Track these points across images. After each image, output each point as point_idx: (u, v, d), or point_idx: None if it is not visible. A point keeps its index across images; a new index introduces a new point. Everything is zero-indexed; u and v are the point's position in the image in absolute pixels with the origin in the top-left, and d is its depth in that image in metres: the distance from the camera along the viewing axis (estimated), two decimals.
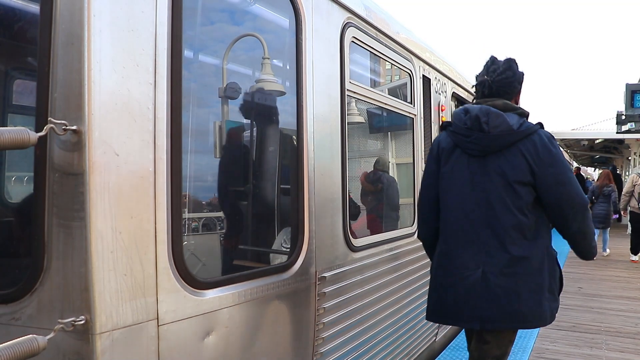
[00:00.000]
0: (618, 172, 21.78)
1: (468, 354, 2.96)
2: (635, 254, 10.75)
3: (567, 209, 2.60)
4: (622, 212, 11.08)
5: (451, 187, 2.76)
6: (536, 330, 5.88)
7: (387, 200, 4.46)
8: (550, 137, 2.68)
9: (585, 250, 2.79)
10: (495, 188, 2.62)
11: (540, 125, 2.70)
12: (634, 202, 10.57)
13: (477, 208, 2.66)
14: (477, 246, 2.65)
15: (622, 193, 10.97)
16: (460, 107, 2.86)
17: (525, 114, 2.76)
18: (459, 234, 2.71)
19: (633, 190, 10.57)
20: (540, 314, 2.68)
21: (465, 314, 2.67)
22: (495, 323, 2.63)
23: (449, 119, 4.93)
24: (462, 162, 2.72)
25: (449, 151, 2.78)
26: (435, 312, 2.82)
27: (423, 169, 4.26)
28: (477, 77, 2.89)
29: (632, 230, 11.12)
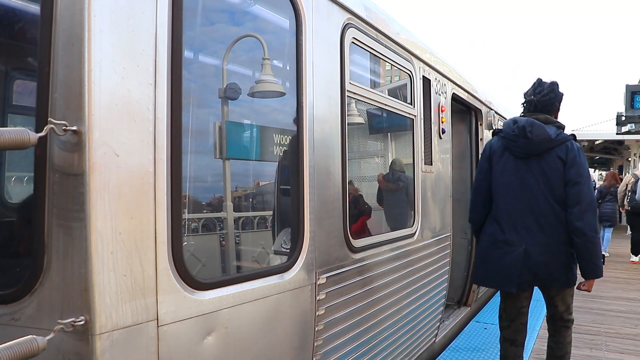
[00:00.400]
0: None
1: (497, 323, 3.89)
2: (636, 254, 10.80)
3: (573, 203, 3.25)
4: (620, 209, 11.46)
5: (501, 181, 3.48)
6: (536, 331, 5.89)
7: (408, 198, 4.44)
8: (579, 147, 3.39)
9: (581, 256, 3.34)
10: (536, 183, 3.34)
11: (573, 136, 3.42)
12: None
13: (522, 199, 3.39)
14: (521, 228, 3.39)
15: (617, 191, 11.51)
16: (510, 118, 3.59)
17: (562, 127, 3.46)
18: (507, 218, 3.44)
19: (626, 189, 10.86)
20: (567, 280, 3.42)
21: (508, 280, 3.42)
22: (532, 285, 3.49)
23: (449, 120, 4.95)
24: (510, 162, 3.44)
25: (500, 153, 3.50)
26: (481, 277, 3.64)
27: (423, 170, 4.27)
28: (525, 95, 3.60)
29: (631, 229, 11.23)
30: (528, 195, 3.38)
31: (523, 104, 3.61)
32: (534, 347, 5.39)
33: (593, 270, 3.35)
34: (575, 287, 3.55)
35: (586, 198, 3.27)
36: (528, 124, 3.36)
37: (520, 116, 3.56)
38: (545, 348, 3.97)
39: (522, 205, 3.40)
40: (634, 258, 10.82)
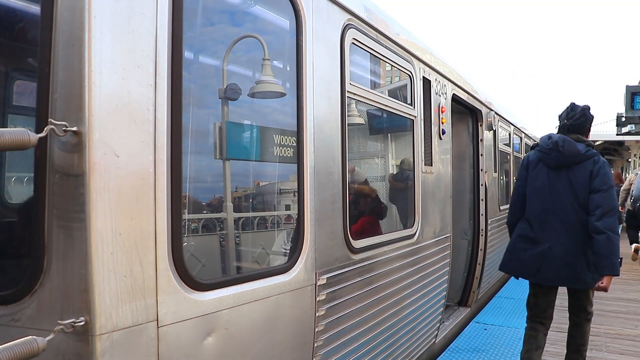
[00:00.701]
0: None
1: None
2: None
3: (595, 207, 3.65)
4: (620, 208, 11.49)
5: (534, 187, 3.96)
6: None
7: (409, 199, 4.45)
8: (604, 161, 3.84)
9: (600, 254, 3.59)
10: (564, 190, 3.80)
11: (600, 153, 3.94)
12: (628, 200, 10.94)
13: (550, 203, 3.84)
14: (548, 230, 3.84)
15: (620, 190, 11.49)
16: (546, 134, 4.05)
17: (591, 145, 3.95)
18: (537, 220, 3.90)
19: (629, 189, 10.85)
20: (592, 281, 3.71)
21: (528, 272, 3.95)
22: (551, 282, 3.89)
23: (449, 121, 4.96)
24: (542, 171, 3.92)
25: (535, 163, 3.99)
26: (508, 266, 4.11)
27: (423, 171, 4.27)
28: (559, 117, 4.13)
29: (628, 226, 11.26)
30: (556, 200, 3.83)
31: (557, 127, 4.16)
32: None
33: (609, 267, 3.56)
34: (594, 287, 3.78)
35: (609, 203, 3.65)
36: (561, 140, 3.86)
37: (554, 134, 4.06)
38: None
39: (550, 209, 3.85)
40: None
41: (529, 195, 3.98)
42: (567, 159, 3.81)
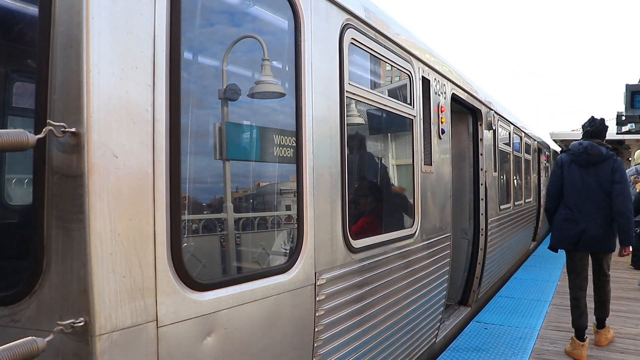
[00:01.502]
0: None
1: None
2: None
3: (617, 195, 4.95)
4: None
5: (570, 181, 5.18)
6: (536, 331, 5.88)
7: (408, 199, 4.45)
8: (620, 161, 5.17)
9: (621, 230, 4.98)
10: (593, 183, 5.06)
11: (615, 154, 5.18)
12: None
13: (583, 192, 5.09)
14: (584, 213, 5.08)
15: None
16: (576, 141, 5.34)
17: (609, 147, 5.22)
18: (574, 205, 5.15)
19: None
20: (611, 246, 5.15)
21: (571, 244, 5.15)
22: (588, 249, 5.17)
23: (449, 120, 4.96)
24: (575, 169, 5.16)
25: (568, 164, 5.22)
26: (557, 243, 5.29)
27: (422, 170, 4.27)
28: (583, 126, 5.50)
29: None
30: (588, 190, 5.09)
31: (583, 134, 5.43)
32: (534, 347, 5.39)
33: (628, 240, 5.00)
34: (618, 254, 5.39)
35: (625, 192, 5.00)
36: (589, 145, 5.14)
37: (582, 139, 5.36)
38: (546, 349, 5.24)
39: (584, 197, 5.11)
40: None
41: (566, 188, 5.22)
42: (594, 159, 5.09)
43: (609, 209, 5.00)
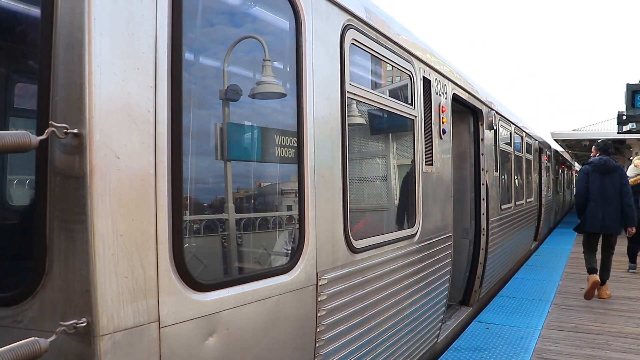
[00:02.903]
0: None
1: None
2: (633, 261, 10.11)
3: (625, 194, 7.44)
4: None
5: (595, 186, 7.48)
6: (538, 331, 5.88)
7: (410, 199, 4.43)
8: (624, 169, 8.07)
9: (627, 217, 7.43)
10: (610, 187, 7.43)
11: (621, 165, 8.10)
12: None
13: (604, 193, 7.42)
14: (602, 207, 7.43)
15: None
16: (598, 157, 7.74)
17: (616, 161, 7.92)
18: (596, 203, 7.45)
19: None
20: (620, 229, 7.52)
21: (598, 228, 7.55)
22: (604, 230, 7.58)
23: (450, 120, 4.96)
24: (597, 176, 7.49)
25: (592, 173, 7.56)
26: (584, 226, 7.64)
27: (424, 170, 4.28)
28: (599, 146, 7.89)
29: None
30: (606, 191, 7.47)
31: (599, 150, 7.82)
32: (536, 347, 5.39)
33: (632, 222, 7.48)
34: (626, 234, 7.84)
35: (629, 191, 7.55)
36: (607, 160, 7.60)
37: (600, 155, 7.74)
38: (548, 348, 5.33)
39: (603, 195, 7.46)
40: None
41: (591, 189, 7.56)
42: (609, 169, 7.53)
43: (618, 204, 7.45)
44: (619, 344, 5.52)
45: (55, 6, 1.69)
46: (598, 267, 7.62)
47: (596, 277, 7.35)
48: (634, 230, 7.59)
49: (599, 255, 7.80)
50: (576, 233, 8.46)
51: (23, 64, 2.61)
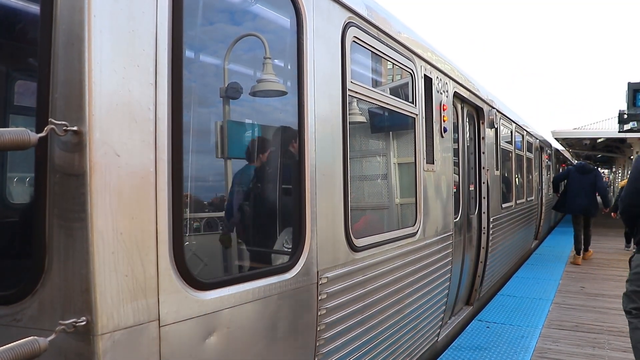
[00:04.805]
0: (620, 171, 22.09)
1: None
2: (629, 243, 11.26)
3: (600, 188, 11.03)
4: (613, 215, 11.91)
5: (574, 181, 10.81)
6: (538, 329, 5.88)
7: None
8: (599, 171, 12.21)
9: (604, 200, 11.35)
10: (586, 184, 10.66)
11: (596, 168, 11.87)
12: None
13: (581, 187, 10.68)
14: (580, 197, 10.65)
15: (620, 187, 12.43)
16: (579, 162, 13.51)
17: (592, 164, 17.16)
18: (575, 194, 10.73)
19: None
20: (593, 213, 10.91)
21: (579, 211, 10.87)
22: (583, 213, 10.85)
23: (451, 119, 4.95)
24: (576, 175, 10.85)
25: (573, 172, 11.02)
26: (567, 210, 11.10)
27: (425, 169, 4.27)
28: (580, 163, 12.14)
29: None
30: (583, 185, 10.50)
31: (581, 162, 13.01)
32: (537, 345, 5.38)
33: (607, 205, 11.28)
34: (602, 212, 11.73)
35: (604, 186, 11.45)
36: (585, 164, 11.37)
37: (581, 161, 14.13)
38: (548, 347, 5.35)
39: (581, 188, 10.50)
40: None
41: (572, 184, 10.57)
42: (586, 170, 10.58)
43: (593, 194, 10.57)
44: (619, 343, 5.51)
45: (55, 3, 1.68)
46: (582, 247, 10.81)
47: (580, 257, 10.64)
48: (606, 209, 11.42)
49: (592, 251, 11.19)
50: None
51: (22, 61, 2.60)
